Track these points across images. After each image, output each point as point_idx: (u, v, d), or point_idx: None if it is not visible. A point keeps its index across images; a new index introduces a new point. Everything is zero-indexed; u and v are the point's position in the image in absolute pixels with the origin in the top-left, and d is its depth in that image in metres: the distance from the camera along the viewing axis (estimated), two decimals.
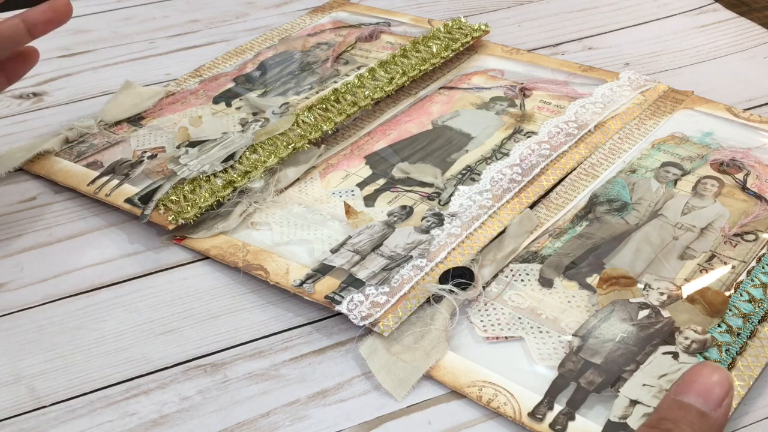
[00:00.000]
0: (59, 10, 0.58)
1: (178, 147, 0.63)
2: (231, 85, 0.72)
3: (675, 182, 0.58)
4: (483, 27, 0.75)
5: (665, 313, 0.48)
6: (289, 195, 0.60)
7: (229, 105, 0.70)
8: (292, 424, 0.45)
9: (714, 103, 0.65)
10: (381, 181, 0.61)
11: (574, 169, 0.60)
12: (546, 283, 0.52)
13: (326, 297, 0.51)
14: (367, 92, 0.67)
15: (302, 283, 0.52)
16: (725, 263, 0.51)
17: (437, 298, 0.50)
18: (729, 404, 0.32)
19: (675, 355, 0.45)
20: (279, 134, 0.62)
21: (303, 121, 0.64)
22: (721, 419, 0.32)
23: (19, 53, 0.59)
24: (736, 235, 0.53)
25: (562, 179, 0.59)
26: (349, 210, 0.57)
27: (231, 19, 0.85)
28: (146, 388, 0.48)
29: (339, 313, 0.50)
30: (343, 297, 0.50)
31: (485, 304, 0.51)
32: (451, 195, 0.58)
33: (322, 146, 0.64)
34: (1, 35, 0.57)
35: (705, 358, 0.45)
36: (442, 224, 0.55)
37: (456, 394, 0.46)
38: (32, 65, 0.60)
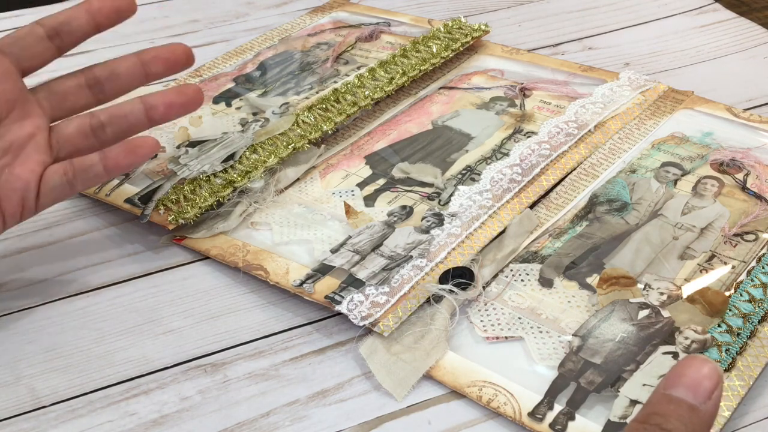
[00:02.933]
0: (188, 95, 0.52)
1: (178, 147, 0.63)
2: (231, 85, 0.72)
3: (675, 182, 0.58)
4: (483, 27, 0.75)
5: (665, 313, 0.48)
6: (289, 195, 0.60)
7: (229, 105, 0.70)
8: (292, 424, 0.45)
9: (714, 103, 0.65)
10: (381, 181, 0.61)
11: (574, 169, 0.60)
12: (546, 283, 0.52)
13: (326, 297, 0.51)
14: (367, 92, 0.67)
15: (302, 283, 0.52)
16: (725, 263, 0.51)
17: (437, 298, 0.50)
18: (718, 397, 0.33)
19: (675, 355, 0.45)
20: (279, 134, 0.62)
21: (303, 121, 0.64)
22: (711, 411, 0.32)
23: (129, 143, 0.51)
24: (736, 235, 0.53)
25: (562, 179, 0.59)
26: (349, 210, 0.57)
27: (231, 19, 0.85)
28: (146, 388, 0.48)
29: (339, 313, 0.50)
30: (343, 297, 0.50)
31: (485, 304, 0.51)
32: (451, 195, 0.58)
33: (322, 146, 0.64)
34: (117, 114, 0.52)
35: None
36: (442, 224, 0.55)
37: (456, 394, 0.46)
38: (139, 159, 0.51)
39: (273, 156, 0.60)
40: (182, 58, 0.53)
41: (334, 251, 0.54)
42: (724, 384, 0.42)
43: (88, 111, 0.52)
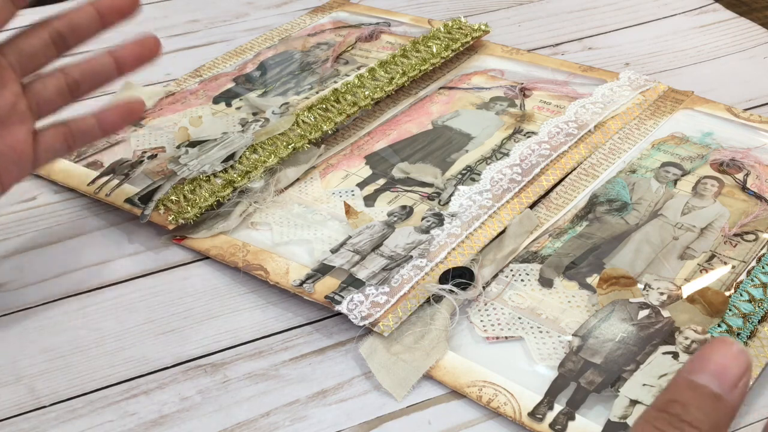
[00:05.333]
0: (148, 46, 0.54)
1: (178, 147, 0.63)
2: (231, 85, 0.72)
3: (675, 182, 0.58)
4: (483, 27, 0.75)
5: (665, 313, 0.48)
6: (289, 195, 0.60)
7: (229, 105, 0.70)
8: (292, 424, 0.45)
9: (714, 103, 0.65)
10: (381, 181, 0.61)
11: (574, 169, 0.60)
12: (546, 283, 0.52)
13: (326, 297, 0.51)
14: (367, 92, 0.67)
15: (302, 283, 0.52)
16: (725, 263, 0.51)
17: (437, 298, 0.50)
18: (745, 385, 0.30)
19: (675, 355, 0.45)
20: (279, 134, 0.62)
21: (303, 121, 0.64)
22: (736, 402, 0.29)
23: (122, 105, 0.55)
24: (736, 235, 0.53)
25: (562, 179, 0.59)
26: (349, 210, 0.57)
27: (231, 19, 0.85)
28: (146, 388, 0.48)
29: (339, 313, 0.50)
30: (343, 297, 0.50)
31: (485, 304, 0.51)
32: (451, 195, 0.58)
33: (322, 146, 0.64)
34: (89, 71, 0.53)
35: None
36: (442, 224, 0.55)
37: (456, 394, 0.46)
38: (133, 119, 0.56)
39: (273, 156, 0.60)
40: (131, 9, 0.54)
41: (334, 251, 0.54)
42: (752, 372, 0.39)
43: (57, 68, 0.52)
